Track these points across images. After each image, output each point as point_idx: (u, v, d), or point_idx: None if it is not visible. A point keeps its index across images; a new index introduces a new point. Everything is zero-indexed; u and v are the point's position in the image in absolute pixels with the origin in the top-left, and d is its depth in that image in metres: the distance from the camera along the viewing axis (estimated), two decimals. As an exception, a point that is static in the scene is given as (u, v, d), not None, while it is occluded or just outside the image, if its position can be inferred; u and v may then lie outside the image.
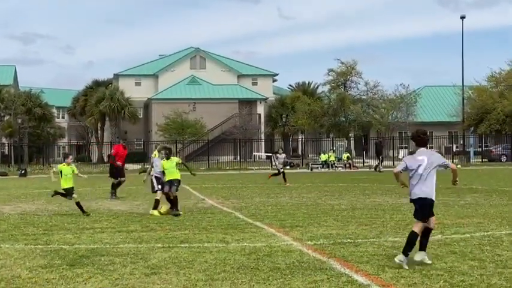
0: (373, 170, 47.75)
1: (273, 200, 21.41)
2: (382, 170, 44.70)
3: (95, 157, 78.55)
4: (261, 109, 74.32)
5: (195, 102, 71.16)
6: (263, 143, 69.21)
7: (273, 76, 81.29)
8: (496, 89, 66.06)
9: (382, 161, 46.67)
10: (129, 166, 56.27)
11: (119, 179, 23.23)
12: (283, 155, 32.27)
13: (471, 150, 63.53)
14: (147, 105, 77.30)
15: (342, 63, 66.65)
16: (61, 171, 17.16)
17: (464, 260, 9.83)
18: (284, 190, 26.28)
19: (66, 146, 77.60)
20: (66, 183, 17.13)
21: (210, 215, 16.87)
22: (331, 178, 36.99)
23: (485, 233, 12.68)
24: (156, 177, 17.72)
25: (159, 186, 17.36)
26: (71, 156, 17.97)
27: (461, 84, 64.60)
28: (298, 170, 51.10)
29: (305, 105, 67.10)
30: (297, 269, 9.37)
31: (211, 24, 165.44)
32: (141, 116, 77.83)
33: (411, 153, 11.72)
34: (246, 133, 67.38)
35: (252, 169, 53.33)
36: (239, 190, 26.74)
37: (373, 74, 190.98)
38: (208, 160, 56.79)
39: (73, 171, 17.28)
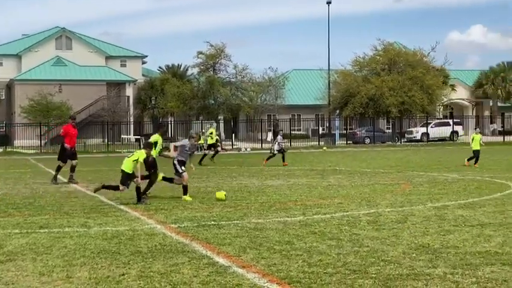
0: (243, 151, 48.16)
1: (139, 183, 21.13)
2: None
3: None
4: (129, 91, 73.23)
5: (60, 84, 69.11)
6: (132, 126, 68.32)
7: (142, 58, 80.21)
8: (360, 73, 68.11)
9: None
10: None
11: (72, 161, 21.55)
12: (279, 137, 31.72)
13: (336, 132, 65.42)
14: (9, 87, 74.40)
15: (211, 45, 66.73)
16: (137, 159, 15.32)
17: (324, 240, 10.06)
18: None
19: None
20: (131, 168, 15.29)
21: (73, 199, 16.47)
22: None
23: (345, 213, 13.05)
24: (179, 160, 16.35)
25: (183, 168, 16.21)
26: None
27: (327, 68, 66.28)
28: (167, 153, 50.80)
29: (174, 88, 66.73)
30: (159, 252, 9.30)
31: (78, 4, 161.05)
32: (3, 98, 74.92)
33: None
34: (115, 115, 66.24)
35: (120, 152, 52.54)
36: (105, 173, 26.26)
37: (242, 58, 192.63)
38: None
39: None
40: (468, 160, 27.63)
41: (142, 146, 16.10)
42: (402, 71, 65.51)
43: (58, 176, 21.62)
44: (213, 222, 12.03)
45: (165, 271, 8.12)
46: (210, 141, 33.02)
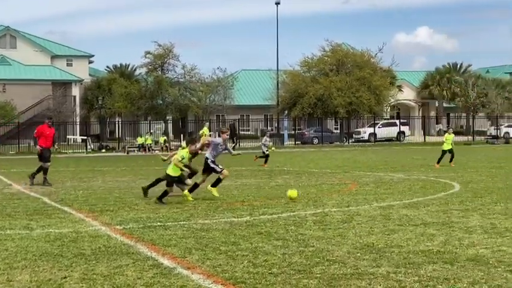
0: None
1: (85, 184, 20.91)
2: (234, 152, 44.52)
3: None
4: (76, 91, 72.26)
5: (4, 84, 67.89)
6: (78, 126, 67.47)
7: (88, 57, 79.28)
8: (309, 74, 68.46)
9: (235, 143, 47.21)
10: None
11: (43, 163, 20.99)
12: (267, 138, 31.35)
13: (285, 132, 65.65)
14: (-48, 86, 72.69)
15: (159, 45, 66.33)
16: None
17: (270, 240, 10.06)
18: (97, 174, 25.77)
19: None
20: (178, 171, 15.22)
21: (16, 200, 16.13)
22: (147, 161, 36.81)
23: (292, 213, 13.08)
24: (213, 160, 15.83)
25: (220, 167, 15.75)
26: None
27: (276, 69, 66.49)
28: (114, 154, 50.39)
29: (122, 88, 66.15)
30: (103, 254, 9.16)
31: (23, 2, 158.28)
32: None
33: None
34: (60, 116, 65.27)
35: (66, 153, 51.88)
36: (50, 174, 25.76)
37: (191, 58, 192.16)
38: (19, 144, 54.58)
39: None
40: (438, 162, 27.37)
41: (185, 144, 15.89)
42: (350, 72, 66.10)
43: (46, 178, 21.02)
44: (159, 223, 11.92)
45: (109, 273, 8.00)
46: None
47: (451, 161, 27.48)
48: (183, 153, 15.37)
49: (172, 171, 15.28)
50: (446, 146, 27.75)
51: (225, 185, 20.00)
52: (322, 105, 64.46)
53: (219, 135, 16.23)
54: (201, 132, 33.15)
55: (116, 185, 20.46)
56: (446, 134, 28.75)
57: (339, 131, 69.65)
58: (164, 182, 15.67)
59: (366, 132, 66.80)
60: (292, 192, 15.31)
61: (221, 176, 15.91)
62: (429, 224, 11.37)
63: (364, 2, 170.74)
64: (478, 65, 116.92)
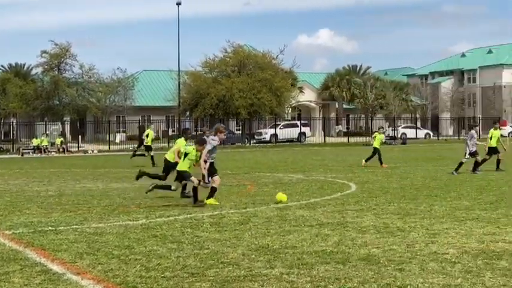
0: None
1: (-25, 188, 20.11)
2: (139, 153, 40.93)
3: None
4: (-32, 91, 69.68)
5: None
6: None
7: (-18, 56, 76.77)
8: (211, 75, 68.34)
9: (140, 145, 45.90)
10: None
11: None
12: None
13: (186, 134, 65.25)
14: None
15: (56, 44, 64.79)
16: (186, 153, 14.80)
17: (164, 243, 9.90)
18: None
19: None
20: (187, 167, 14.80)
21: None
22: (43, 163, 35.85)
23: (189, 216, 12.95)
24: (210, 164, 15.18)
25: (209, 179, 15.07)
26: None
27: (177, 69, 66.05)
28: (8, 156, 48.85)
29: (17, 88, 64.30)
30: (-11, 261, 8.79)
31: None
32: None
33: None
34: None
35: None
36: None
37: (91, 58, 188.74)
38: None
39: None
40: (366, 161, 27.34)
41: (194, 142, 15.23)
42: (252, 73, 66.35)
43: None
44: (50, 228, 11.55)
45: (-6, 281, 7.68)
46: (148, 143, 31.02)
47: (367, 160, 27.50)
48: (189, 148, 14.99)
49: (181, 166, 14.90)
50: (376, 144, 27.85)
51: (123, 187, 19.68)
52: (224, 106, 64.48)
53: (217, 135, 15.58)
54: (144, 134, 31.90)
55: (8, 188, 19.79)
56: (376, 134, 28.79)
57: (240, 132, 69.88)
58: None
59: (267, 133, 67.27)
60: (281, 196, 15.02)
61: (215, 185, 15.49)
62: (324, 225, 11.48)
63: (266, 4, 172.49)
64: (377, 67, 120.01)
